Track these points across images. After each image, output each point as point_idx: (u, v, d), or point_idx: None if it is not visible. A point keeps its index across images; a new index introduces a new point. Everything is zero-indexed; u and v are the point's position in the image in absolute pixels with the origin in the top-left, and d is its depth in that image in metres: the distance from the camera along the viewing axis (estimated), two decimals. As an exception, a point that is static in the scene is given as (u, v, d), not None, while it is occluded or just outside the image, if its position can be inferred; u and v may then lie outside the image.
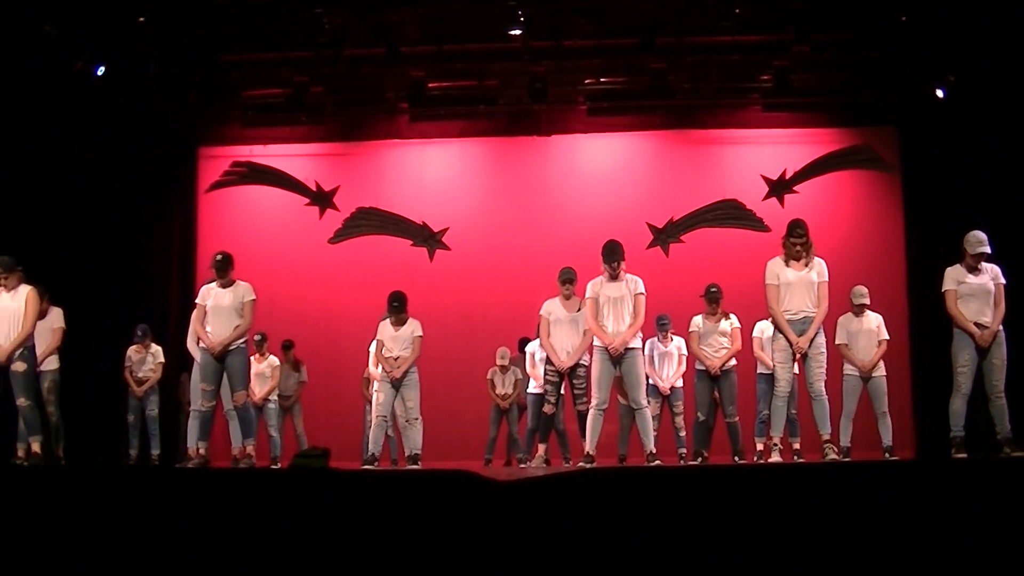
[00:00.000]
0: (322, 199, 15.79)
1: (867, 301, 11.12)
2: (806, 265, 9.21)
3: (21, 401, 9.49)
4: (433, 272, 15.34)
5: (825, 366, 9.27)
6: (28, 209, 13.08)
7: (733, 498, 5.14)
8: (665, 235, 15.38)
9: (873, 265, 14.38)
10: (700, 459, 11.61)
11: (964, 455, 9.18)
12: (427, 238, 15.52)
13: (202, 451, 10.20)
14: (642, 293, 9.79)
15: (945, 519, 4.93)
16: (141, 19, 12.70)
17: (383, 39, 13.23)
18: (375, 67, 14.26)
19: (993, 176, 13.28)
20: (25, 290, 9.60)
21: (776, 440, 9.46)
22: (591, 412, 9.80)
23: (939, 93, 13.85)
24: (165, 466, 12.33)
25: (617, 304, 9.74)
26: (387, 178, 15.90)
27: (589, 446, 9.76)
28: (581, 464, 9.67)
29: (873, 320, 11.12)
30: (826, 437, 9.33)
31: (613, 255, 9.80)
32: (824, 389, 9.23)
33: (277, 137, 15.75)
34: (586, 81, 14.73)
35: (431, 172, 15.85)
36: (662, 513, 5.01)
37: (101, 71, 13.27)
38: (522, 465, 11.59)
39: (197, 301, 10.17)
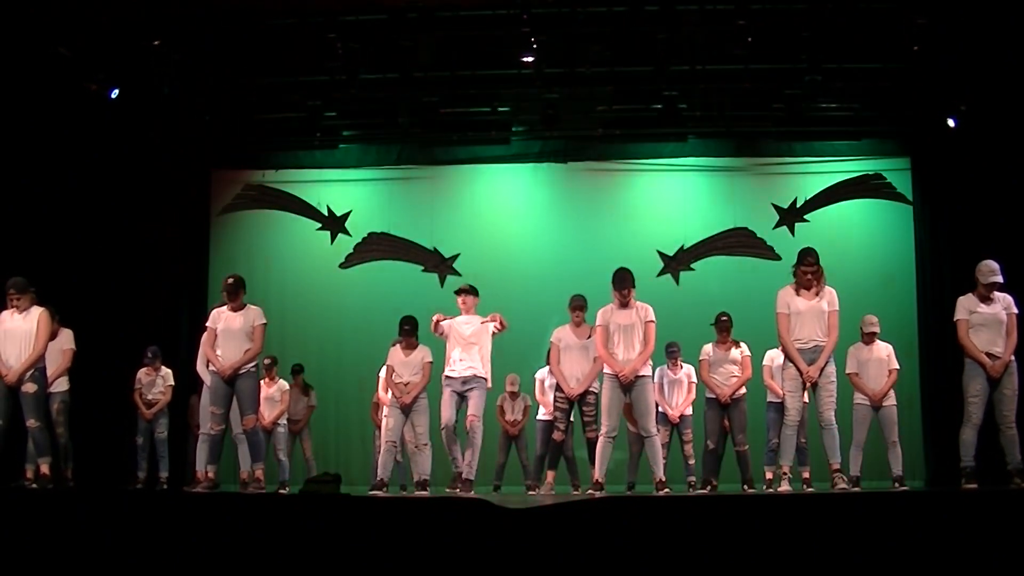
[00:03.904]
0: (334, 224, 15.81)
1: (877, 330, 11.11)
2: (817, 294, 9.23)
3: (31, 422, 9.51)
4: (443, 298, 15.31)
5: (835, 395, 9.27)
6: (39, 230, 13.13)
7: (742, 527, 5.12)
8: (675, 263, 15.36)
9: (884, 294, 14.38)
10: (709, 487, 11.60)
11: (974, 486, 9.15)
12: (438, 264, 15.51)
13: (211, 475, 10.21)
14: (652, 321, 9.81)
15: (954, 550, 4.91)
16: (156, 42, 12.76)
17: (397, 64, 13.26)
18: (388, 92, 14.27)
19: (1005, 206, 13.29)
20: (37, 311, 9.64)
21: (785, 469, 9.46)
22: (601, 440, 9.81)
23: (951, 123, 13.85)
24: (174, 489, 12.32)
25: (627, 332, 9.76)
26: (399, 203, 15.90)
27: (598, 473, 9.77)
28: (590, 491, 9.67)
29: (883, 349, 11.11)
30: (836, 466, 9.33)
31: (623, 283, 9.83)
32: (834, 418, 9.23)
33: (290, 161, 15.78)
34: (598, 108, 14.73)
35: (443, 198, 15.85)
36: (671, 541, 5.00)
37: (115, 93, 13.32)
38: (530, 492, 11.57)
39: (208, 324, 10.20)
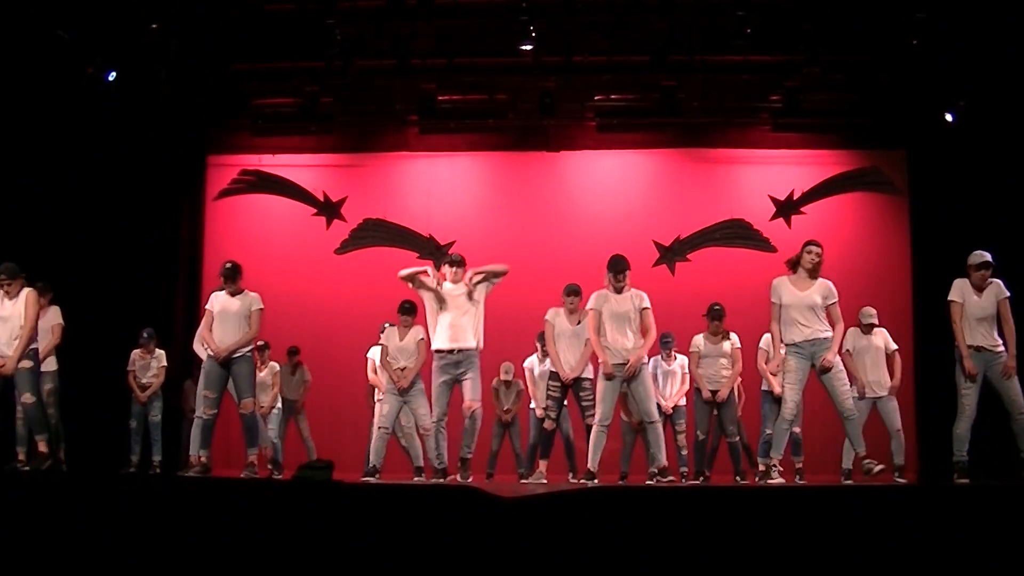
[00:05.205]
0: (329, 209, 15.80)
1: (876, 321, 11.13)
2: (810, 287, 9.22)
3: (26, 397, 9.48)
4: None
5: (848, 383, 9.29)
6: (35, 213, 13.11)
7: (732, 519, 5.13)
8: (671, 253, 15.38)
9: (879, 287, 14.38)
10: (701, 479, 11.60)
11: (967, 480, 9.15)
12: (433, 251, 15.50)
13: (203, 459, 10.21)
14: (648, 307, 9.79)
15: (946, 546, 4.91)
16: (154, 26, 12.73)
17: (394, 51, 13.26)
18: (386, 78, 14.27)
19: (1001, 200, 13.28)
20: (24, 293, 9.59)
21: (775, 461, 9.45)
22: (595, 428, 9.78)
23: (948, 117, 13.86)
24: (166, 474, 12.31)
25: (620, 319, 9.74)
26: (395, 190, 15.91)
27: (591, 463, 9.75)
28: (583, 481, 9.66)
29: (880, 338, 11.13)
30: (863, 454, 9.29)
31: (620, 267, 9.81)
32: (853, 405, 9.26)
33: (286, 146, 15.76)
34: (596, 97, 14.73)
35: (439, 185, 15.86)
36: (662, 532, 5.00)
37: (112, 77, 13.30)
38: (523, 481, 11.57)
39: (207, 307, 10.22)
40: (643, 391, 9.81)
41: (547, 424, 10.75)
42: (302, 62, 13.92)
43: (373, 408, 12.53)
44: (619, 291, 9.83)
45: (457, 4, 12.79)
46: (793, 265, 9.34)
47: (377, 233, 15.76)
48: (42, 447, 9.61)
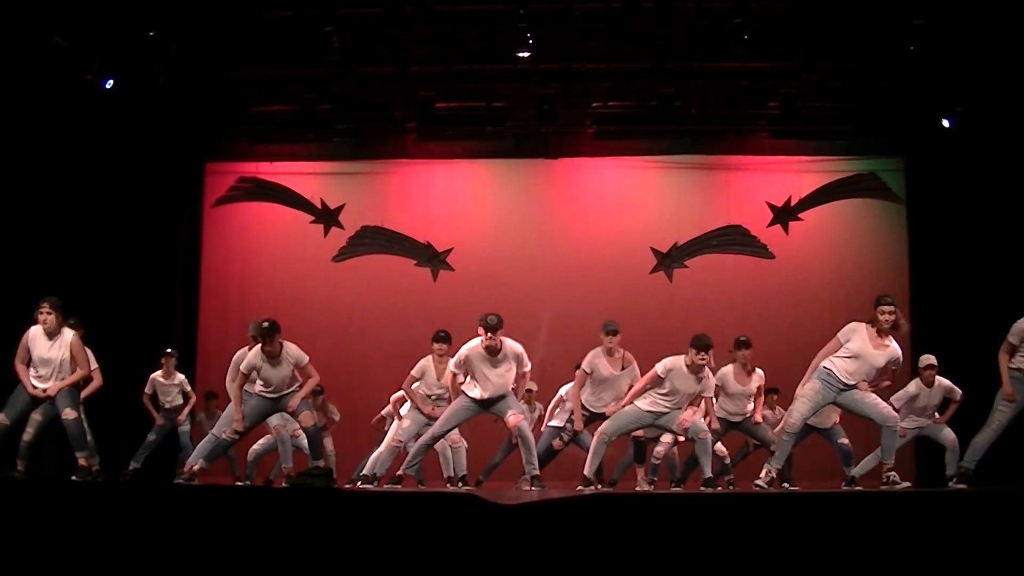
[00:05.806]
0: (327, 217, 15.79)
1: (934, 361, 10.73)
2: (884, 350, 9.01)
3: (68, 412, 9.44)
4: (436, 292, 15.31)
5: (876, 396, 9.19)
6: (34, 219, 13.08)
7: (729, 525, 5.13)
8: (669, 260, 15.36)
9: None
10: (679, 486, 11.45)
11: (963, 486, 9.14)
12: (431, 258, 15.50)
13: (196, 468, 10.15)
14: (712, 396, 9.90)
15: (945, 550, 4.91)
16: (151, 33, 12.72)
17: (393, 58, 13.24)
18: (384, 85, 14.26)
19: (999, 207, 13.28)
20: (68, 336, 9.54)
21: (775, 471, 9.39)
22: (596, 438, 9.73)
23: (946, 124, 13.85)
24: (165, 482, 12.25)
25: (682, 398, 9.67)
26: (393, 197, 15.91)
27: (588, 470, 9.72)
28: (579, 488, 9.64)
29: (941, 391, 10.68)
30: (890, 465, 9.18)
31: (702, 345, 9.57)
32: (892, 412, 9.18)
33: (284, 154, 15.74)
34: (594, 104, 14.73)
35: (437, 192, 15.85)
36: (658, 538, 5.00)
37: (110, 84, 13.29)
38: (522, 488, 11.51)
39: (242, 370, 9.87)
40: (695, 435, 9.84)
41: (556, 443, 10.68)
42: (300, 69, 13.89)
43: (384, 417, 12.35)
44: (696, 370, 9.60)
45: (456, 11, 12.76)
46: (872, 324, 9.04)
47: (375, 240, 15.74)
48: (82, 462, 9.60)
